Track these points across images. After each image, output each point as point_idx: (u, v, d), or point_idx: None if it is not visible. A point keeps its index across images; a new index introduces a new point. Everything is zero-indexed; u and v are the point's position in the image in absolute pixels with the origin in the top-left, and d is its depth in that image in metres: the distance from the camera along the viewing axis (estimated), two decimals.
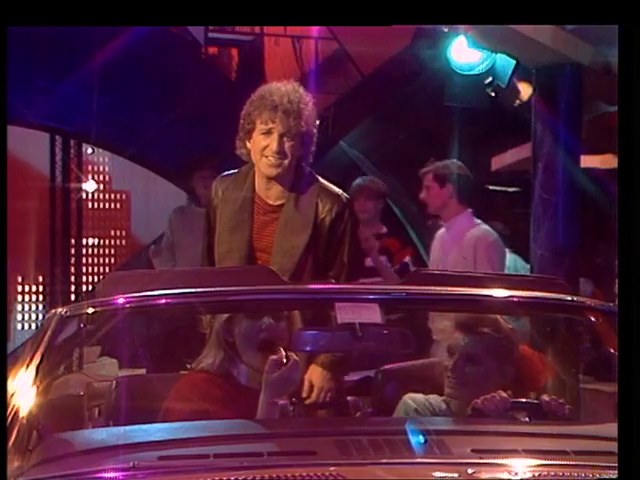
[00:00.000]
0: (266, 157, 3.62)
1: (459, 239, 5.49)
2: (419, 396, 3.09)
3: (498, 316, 3.13)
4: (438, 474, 2.13)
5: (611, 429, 2.21)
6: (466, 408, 2.99)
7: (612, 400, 2.32)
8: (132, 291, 2.71)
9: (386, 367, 3.43)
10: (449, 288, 2.83)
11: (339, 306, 2.61)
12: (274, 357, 2.90)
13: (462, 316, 3.17)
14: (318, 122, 3.72)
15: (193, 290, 2.73)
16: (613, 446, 2.12)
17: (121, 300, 2.69)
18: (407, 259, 5.85)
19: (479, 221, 5.60)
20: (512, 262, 6.40)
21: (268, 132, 3.60)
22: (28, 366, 2.49)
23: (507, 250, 6.11)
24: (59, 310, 2.72)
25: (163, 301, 2.75)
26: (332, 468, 2.09)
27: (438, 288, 2.84)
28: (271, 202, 3.68)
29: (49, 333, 2.59)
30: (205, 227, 3.81)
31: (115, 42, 6.85)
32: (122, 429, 2.59)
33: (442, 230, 5.68)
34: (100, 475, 2.14)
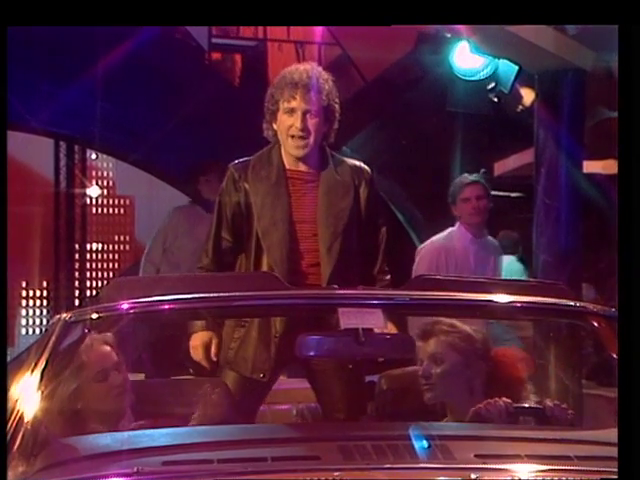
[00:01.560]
0: (292, 137, 3.73)
1: (496, 252, 5.81)
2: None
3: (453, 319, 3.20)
4: (441, 479, 2.14)
5: (613, 434, 2.20)
6: (454, 411, 3.03)
7: (614, 405, 2.32)
8: (136, 296, 2.71)
9: (389, 372, 3.44)
10: (452, 293, 2.84)
11: (342, 311, 2.62)
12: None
13: (419, 325, 3.25)
14: (338, 100, 3.82)
15: (197, 296, 2.74)
16: (615, 451, 2.12)
17: (125, 305, 2.69)
18: None
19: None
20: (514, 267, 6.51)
21: (291, 111, 3.71)
22: (33, 371, 2.49)
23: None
24: (63, 315, 2.72)
25: (167, 306, 2.76)
26: (336, 473, 2.10)
27: (441, 293, 2.85)
28: (305, 170, 3.78)
29: (53, 338, 2.60)
30: (216, 217, 3.80)
31: (119, 48, 6.87)
32: (126, 434, 2.60)
33: (464, 241, 5.71)
34: None
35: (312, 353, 2.77)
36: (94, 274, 10.05)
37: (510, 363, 3.26)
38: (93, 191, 10.13)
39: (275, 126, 3.78)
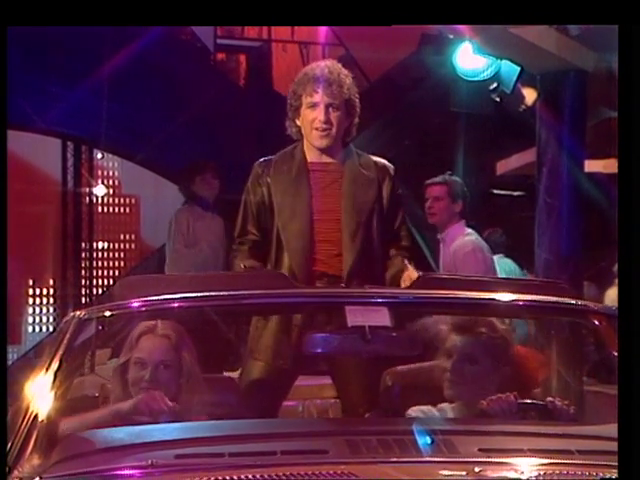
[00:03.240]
0: (316, 129, 3.79)
1: (447, 250, 5.70)
2: (425, 408, 3.12)
3: (493, 318, 3.17)
4: (446, 472, 2.18)
5: (614, 429, 2.24)
6: (467, 408, 3.05)
7: (615, 402, 2.36)
8: (147, 295, 2.75)
9: (394, 369, 3.48)
10: (456, 292, 2.89)
11: (349, 309, 2.66)
12: None
13: (459, 318, 3.20)
14: (358, 96, 3.90)
15: (207, 294, 2.78)
16: (615, 446, 2.16)
17: (137, 304, 2.74)
18: None
19: (469, 230, 5.75)
20: (506, 266, 6.51)
21: (314, 105, 3.79)
22: (47, 368, 2.52)
23: (501, 255, 6.23)
24: (77, 313, 2.75)
25: (177, 305, 2.80)
26: (343, 467, 2.14)
27: (446, 292, 2.89)
28: (328, 161, 3.84)
29: (68, 336, 2.63)
30: (241, 214, 3.85)
31: (125, 49, 6.91)
32: (139, 428, 2.63)
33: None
34: (118, 472, 2.19)
35: (319, 350, 2.82)
36: (100, 272, 10.09)
37: (530, 366, 3.25)
38: (99, 190, 10.17)
39: (299, 122, 3.85)
